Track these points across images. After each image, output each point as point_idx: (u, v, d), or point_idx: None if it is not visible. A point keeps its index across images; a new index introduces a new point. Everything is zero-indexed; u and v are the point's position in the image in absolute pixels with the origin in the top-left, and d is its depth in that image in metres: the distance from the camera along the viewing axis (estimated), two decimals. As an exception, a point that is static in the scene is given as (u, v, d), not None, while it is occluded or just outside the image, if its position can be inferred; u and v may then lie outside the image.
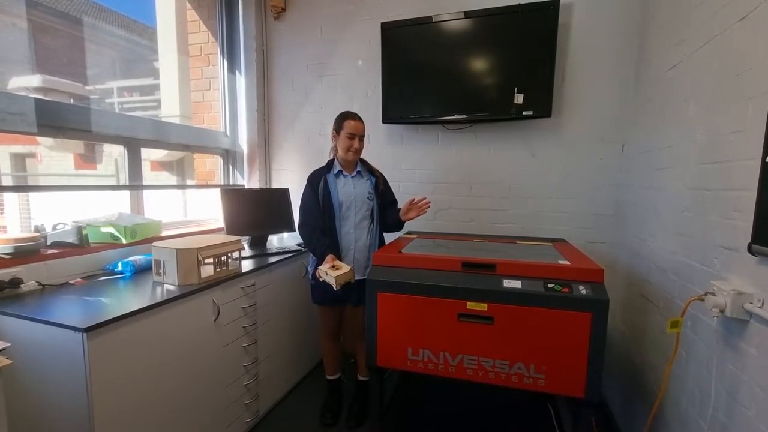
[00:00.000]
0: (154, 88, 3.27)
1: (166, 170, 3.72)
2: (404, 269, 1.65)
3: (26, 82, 1.95)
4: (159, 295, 1.50)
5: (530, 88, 2.19)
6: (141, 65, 3.22)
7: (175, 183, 3.18)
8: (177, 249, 1.57)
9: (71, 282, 1.60)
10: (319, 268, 1.78)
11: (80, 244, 1.69)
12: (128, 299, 1.45)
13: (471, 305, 1.51)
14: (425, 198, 1.96)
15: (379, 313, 1.64)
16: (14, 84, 1.86)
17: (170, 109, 3.02)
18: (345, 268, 1.75)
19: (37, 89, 1.97)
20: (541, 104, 2.19)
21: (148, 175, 3.66)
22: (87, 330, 1.16)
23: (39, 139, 3.29)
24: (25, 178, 4.01)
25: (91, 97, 2.64)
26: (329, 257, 1.81)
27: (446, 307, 1.55)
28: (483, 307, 1.50)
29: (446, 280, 1.56)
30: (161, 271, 1.62)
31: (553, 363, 1.46)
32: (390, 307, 1.62)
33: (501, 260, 1.57)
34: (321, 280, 1.77)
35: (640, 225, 1.91)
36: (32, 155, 3.88)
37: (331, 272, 1.71)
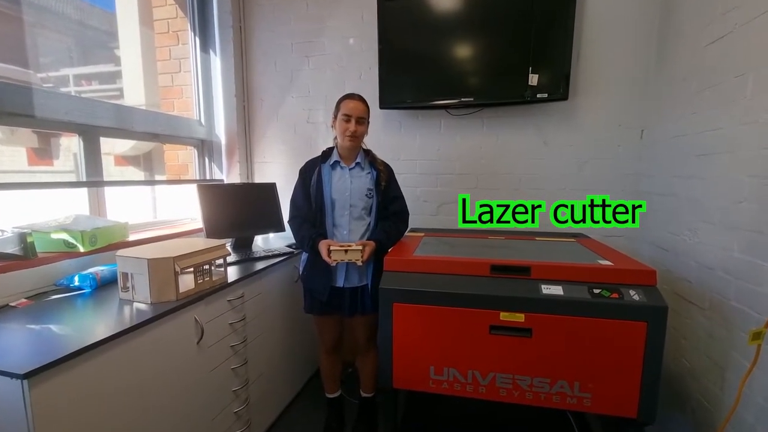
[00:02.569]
0: (116, 76, 2.92)
1: (132, 165, 3.34)
2: (423, 275, 1.42)
3: None
4: (127, 317, 1.21)
5: (546, 67, 1.99)
6: (101, 50, 2.84)
7: (143, 179, 2.83)
8: (148, 259, 1.27)
9: (12, 304, 1.28)
10: (333, 249, 1.56)
11: (24, 255, 1.37)
12: (87, 325, 1.16)
13: (505, 316, 1.30)
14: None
15: (395, 326, 1.40)
16: None
17: (135, 98, 2.67)
18: (354, 245, 1.57)
19: None
20: (558, 86, 1.99)
21: (113, 171, 3.28)
22: (28, 375, 0.87)
23: None
24: None
25: (44, 86, 2.28)
26: (324, 243, 1.59)
27: (475, 318, 1.33)
28: (519, 317, 1.29)
29: (474, 287, 1.34)
30: (129, 285, 1.32)
31: (602, 380, 1.27)
32: (408, 320, 1.39)
33: (535, 262, 1.37)
34: (334, 263, 1.58)
35: (671, 217, 1.75)
36: None
37: (351, 248, 1.55)
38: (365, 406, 1.95)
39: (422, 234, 2.00)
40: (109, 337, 1.06)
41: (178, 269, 1.31)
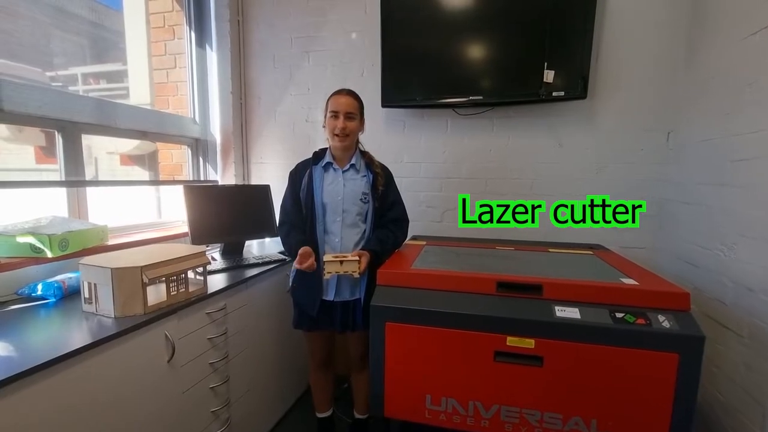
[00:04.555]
0: (123, 75, 2.86)
1: (137, 165, 3.26)
2: (420, 291, 1.27)
3: None
4: (87, 333, 1.08)
5: (563, 63, 1.82)
6: (110, 50, 2.77)
7: (147, 179, 2.74)
8: (112, 268, 1.14)
9: (-37, 315, 1.16)
10: (326, 261, 1.39)
11: (-17, 260, 1.25)
12: (41, 342, 1.03)
13: (512, 341, 1.14)
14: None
15: (388, 348, 1.25)
16: None
17: (140, 97, 2.59)
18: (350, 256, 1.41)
19: None
20: (576, 83, 1.82)
21: (119, 171, 3.21)
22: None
23: None
24: None
25: (52, 84, 2.21)
26: (303, 250, 1.43)
27: (478, 342, 1.17)
28: (529, 343, 1.13)
29: (478, 307, 1.18)
30: (92, 297, 1.19)
31: (624, 419, 1.09)
32: (402, 342, 1.24)
33: (548, 279, 1.20)
34: (327, 276, 1.41)
35: (701, 229, 1.57)
36: None
37: (347, 259, 1.39)
38: (357, 429, 1.79)
39: (424, 242, 1.85)
40: (60, 356, 0.93)
41: (146, 280, 1.18)
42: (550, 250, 1.71)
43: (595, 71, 1.91)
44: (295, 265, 1.44)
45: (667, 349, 1.04)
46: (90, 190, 1.80)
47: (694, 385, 1.04)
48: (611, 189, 1.97)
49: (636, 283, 1.19)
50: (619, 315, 1.10)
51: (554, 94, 1.84)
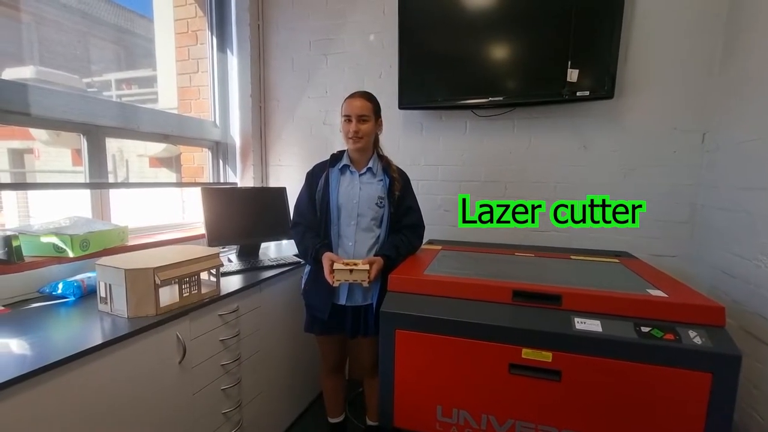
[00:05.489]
0: (153, 80, 2.97)
1: (165, 167, 3.36)
2: (432, 298, 1.22)
3: (19, 74, 1.68)
4: (99, 333, 1.10)
5: (588, 62, 1.74)
6: (142, 56, 2.89)
7: (174, 180, 2.82)
8: (125, 269, 1.16)
9: (-12, 312, 1.20)
10: (335, 268, 1.37)
11: (8, 259, 1.29)
12: (57, 340, 1.05)
13: (528, 353, 1.08)
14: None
15: (398, 356, 1.21)
16: (8, 75, 1.59)
17: (168, 101, 2.67)
18: (360, 264, 1.38)
19: (32, 81, 1.64)
20: (602, 82, 1.73)
21: (148, 173, 3.33)
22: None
23: (33, 133, 2.99)
24: (23, 175, 3.74)
25: (88, 90, 2.32)
26: (327, 257, 1.42)
27: (492, 353, 1.12)
28: (546, 356, 1.07)
29: (492, 316, 1.13)
30: (107, 297, 1.21)
31: (650, 441, 1.02)
32: (413, 350, 1.20)
33: (568, 288, 1.13)
34: (336, 284, 1.40)
35: (739, 237, 1.45)
36: (30, 151, 3.63)
37: (357, 268, 1.36)
38: (371, 436, 1.76)
39: (440, 247, 1.80)
40: (71, 356, 0.95)
41: (158, 281, 1.19)
42: (572, 257, 1.63)
43: (623, 69, 1.82)
44: (326, 276, 1.43)
45: (698, 368, 0.96)
46: (117, 192, 1.85)
47: (729, 408, 0.95)
48: (640, 193, 1.87)
49: (665, 294, 1.11)
50: (645, 329, 1.02)
51: (578, 93, 1.76)
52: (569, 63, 1.74)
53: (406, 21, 2.02)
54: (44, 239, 1.41)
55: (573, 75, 1.74)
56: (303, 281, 1.64)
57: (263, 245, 2.15)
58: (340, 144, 2.35)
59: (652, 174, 1.85)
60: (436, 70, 2.00)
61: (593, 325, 1.05)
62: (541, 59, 1.83)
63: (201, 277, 1.37)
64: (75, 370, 0.97)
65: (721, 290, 1.55)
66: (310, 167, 1.65)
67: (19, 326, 1.12)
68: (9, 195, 2.36)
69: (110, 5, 2.51)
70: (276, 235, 2.12)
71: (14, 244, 1.31)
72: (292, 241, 2.18)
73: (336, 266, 1.38)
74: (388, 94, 2.10)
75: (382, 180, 1.57)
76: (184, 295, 1.30)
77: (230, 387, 1.49)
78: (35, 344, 1.01)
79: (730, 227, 1.53)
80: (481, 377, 1.13)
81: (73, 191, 1.81)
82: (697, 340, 0.98)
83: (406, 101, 2.09)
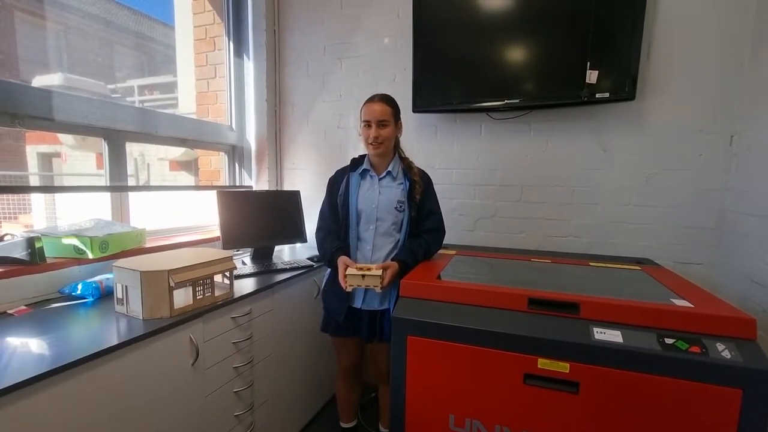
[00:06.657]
0: (173, 86, 3.04)
1: (185, 170, 3.42)
2: (445, 305, 1.20)
3: (48, 81, 1.80)
4: (114, 333, 1.11)
5: (608, 62, 1.69)
6: (163, 63, 2.98)
7: (193, 184, 2.88)
8: (141, 271, 1.17)
9: (10, 312, 1.23)
10: (348, 273, 1.37)
11: (31, 260, 1.33)
12: (74, 341, 1.07)
13: (544, 363, 1.05)
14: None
15: (410, 363, 1.19)
16: (37, 83, 1.68)
17: (187, 106, 2.74)
18: (374, 269, 1.37)
19: (60, 88, 1.72)
20: (623, 83, 1.68)
21: (168, 176, 3.41)
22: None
23: (61, 137, 3.10)
24: (51, 178, 3.89)
25: (112, 95, 2.40)
26: (342, 261, 1.43)
27: (507, 363, 1.08)
28: (563, 367, 1.03)
29: (507, 324, 1.10)
30: (124, 298, 1.23)
31: (674, 459, 0.97)
32: (425, 357, 1.18)
33: (586, 297, 1.10)
34: (349, 289, 1.40)
35: (772, 245, 1.38)
36: (57, 155, 3.77)
37: (369, 273, 1.34)
38: (383, 444, 1.74)
39: (454, 252, 1.77)
40: (85, 357, 0.96)
41: (172, 283, 1.20)
42: (592, 263, 1.58)
43: (645, 69, 1.76)
44: (340, 280, 1.43)
45: (727, 383, 0.91)
46: (137, 194, 1.89)
47: (761, 428, 0.90)
48: (663, 198, 1.80)
49: (690, 304, 1.06)
50: (669, 341, 0.98)
51: (598, 95, 1.71)
52: (588, 64, 1.70)
53: (421, 23, 2.00)
54: (65, 241, 1.45)
55: (592, 76, 1.70)
56: (323, 282, 1.64)
57: (277, 248, 2.17)
58: (353, 148, 2.36)
59: (676, 178, 1.79)
60: (451, 73, 1.98)
61: (613, 336, 1.01)
62: (559, 60, 1.78)
63: (215, 280, 1.38)
64: (90, 370, 0.98)
65: (752, 300, 1.47)
66: (324, 171, 1.65)
67: (39, 326, 1.15)
68: (38, 197, 2.47)
69: (134, 14, 2.59)
70: (290, 238, 2.12)
71: (37, 245, 1.35)
72: (307, 244, 2.20)
73: (349, 271, 1.37)
74: (402, 97, 2.07)
75: (402, 183, 1.56)
76: (198, 297, 1.31)
77: (243, 389, 1.49)
78: (53, 344, 1.03)
79: (761, 234, 1.46)
80: (495, 387, 1.10)
81: (95, 194, 1.86)
82: (726, 354, 0.93)
83: (420, 104, 2.07)
